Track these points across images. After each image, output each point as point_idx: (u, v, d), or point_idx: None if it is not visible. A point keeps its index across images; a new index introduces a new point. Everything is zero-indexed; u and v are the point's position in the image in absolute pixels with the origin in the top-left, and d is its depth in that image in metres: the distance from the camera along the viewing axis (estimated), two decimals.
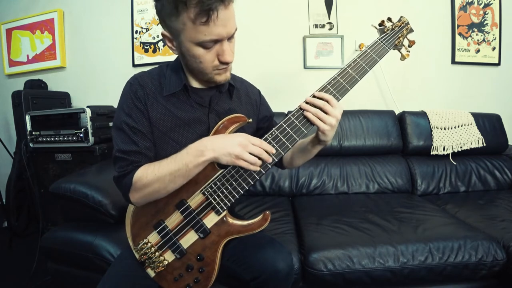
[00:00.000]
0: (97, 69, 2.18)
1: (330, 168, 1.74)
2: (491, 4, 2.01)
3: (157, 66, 0.83)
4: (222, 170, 0.74)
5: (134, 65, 2.12)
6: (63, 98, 2.12)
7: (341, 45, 2.00)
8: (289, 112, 0.88)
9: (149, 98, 0.75)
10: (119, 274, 0.76)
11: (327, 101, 0.73)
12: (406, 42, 0.88)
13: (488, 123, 1.81)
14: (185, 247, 0.74)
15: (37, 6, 2.19)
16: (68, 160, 1.74)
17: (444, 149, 1.75)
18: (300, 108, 0.75)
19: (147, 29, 2.09)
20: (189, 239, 0.74)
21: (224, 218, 0.74)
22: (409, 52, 0.89)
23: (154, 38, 2.08)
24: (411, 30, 0.87)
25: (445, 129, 1.77)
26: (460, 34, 2.01)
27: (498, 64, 2.05)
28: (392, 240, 1.11)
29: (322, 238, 1.14)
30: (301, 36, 2.02)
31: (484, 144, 1.75)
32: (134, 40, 2.11)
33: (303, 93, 0.83)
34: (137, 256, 0.76)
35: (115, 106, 0.81)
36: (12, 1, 2.24)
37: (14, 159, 2.00)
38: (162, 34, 0.72)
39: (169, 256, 0.75)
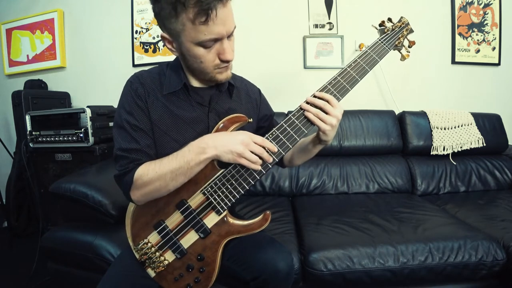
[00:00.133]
0: (97, 69, 2.18)
1: (330, 168, 1.74)
2: (491, 4, 2.01)
3: (157, 65, 0.84)
4: (222, 170, 0.74)
5: (134, 65, 2.12)
6: (63, 98, 2.12)
7: (341, 45, 2.00)
8: (290, 112, 0.88)
9: (150, 96, 0.75)
10: (119, 274, 0.76)
11: (327, 101, 0.73)
12: (406, 43, 0.88)
13: (488, 123, 1.81)
14: (185, 247, 0.74)
15: (37, 6, 2.19)
16: (68, 160, 1.74)
17: (444, 149, 1.75)
18: (301, 108, 0.75)
19: (147, 29, 2.09)
20: (189, 239, 0.74)
21: (225, 218, 0.74)
22: (409, 52, 0.89)
23: (154, 38, 2.09)
24: (411, 31, 0.87)
25: (445, 129, 1.77)
26: (460, 34, 2.01)
27: (498, 64, 2.05)
28: (392, 240, 1.11)
29: (322, 238, 1.14)
30: (301, 36, 2.02)
31: (484, 144, 1.75)
32: (134, 40, 2.11)
33: (303, 93, 0.83)
34: (137, 256, 0.76)
35: (115, 106, 0.81)
36: (12, 1, 2.24)
37: (14, 159, 2.00)
38: (162, 36, 0.72)
39: (169, 256, 0.75)
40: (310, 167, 1.73)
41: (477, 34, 2.02)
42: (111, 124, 1.81)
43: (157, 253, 0.74)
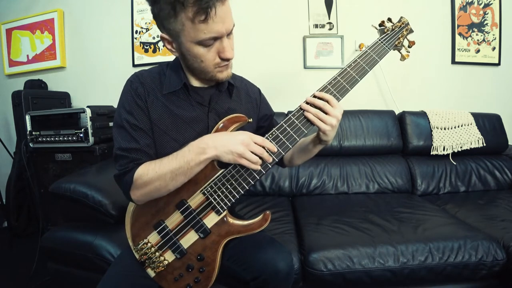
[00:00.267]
0: (97, 69, 2.18)
1: (330, 168, 1.74)
2: (491, 4, 2.01)
3: (157, 65, 0.84)
4: (222, 170, 0.74)
5: (134, 65, 2.12)
6: (63, 98, 2.12)
7: (341, 45, 2.00)
8: (290, 112, 0.88)
9: (150, 96, 0.75)
10: (119, 274, 0.76)
11: (327, 101, 0.73)
12: (406, 43, 0.88)
13: (488, 123, 1.81)
14: (185, 247, 0.74)
15: (37, 6, 2.19)
16: (68, 160, 1.74)
17: (444, 149, 1.75)
18: (301, 108, 0.75)
19: (147, 29, 2.09)
20: (189, 239, 0.74)
21: (225, 218, 0.74)
22: (409, 52, 0.89)
23: (154, 38, 2.08)
24: (411, 31, 0.87)
25: (445, 129, 1.77)
26: (460, 34, 2.01)
27: (498, 64, 2.05)
28: (392, 240, 1.11)
29: (322, 238, 1.14)
30: (301, 36, 2.02)
31: (484, 144, 1.75)
32: (134, 40, 2.11)
33: (303, 93, 0.83)
34: (137, 256, 0.76)
35: (115, 106, 0.81)
36: (12, 1, 2.24)
37: (14, 159, 2.00)
38: (161, 37, 0.72)
39: (169, 256, 0.75)
40: (310, 167, 1.73)
41: (477, 34, 2.02)
42: (111, 124, 1.81)
43: (157, 253, 0.74)
